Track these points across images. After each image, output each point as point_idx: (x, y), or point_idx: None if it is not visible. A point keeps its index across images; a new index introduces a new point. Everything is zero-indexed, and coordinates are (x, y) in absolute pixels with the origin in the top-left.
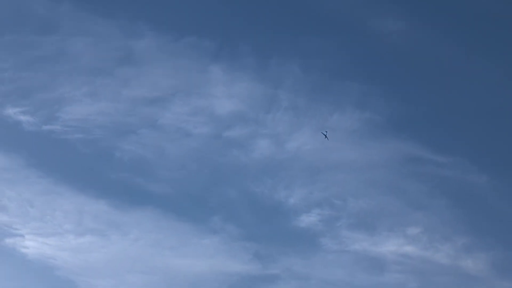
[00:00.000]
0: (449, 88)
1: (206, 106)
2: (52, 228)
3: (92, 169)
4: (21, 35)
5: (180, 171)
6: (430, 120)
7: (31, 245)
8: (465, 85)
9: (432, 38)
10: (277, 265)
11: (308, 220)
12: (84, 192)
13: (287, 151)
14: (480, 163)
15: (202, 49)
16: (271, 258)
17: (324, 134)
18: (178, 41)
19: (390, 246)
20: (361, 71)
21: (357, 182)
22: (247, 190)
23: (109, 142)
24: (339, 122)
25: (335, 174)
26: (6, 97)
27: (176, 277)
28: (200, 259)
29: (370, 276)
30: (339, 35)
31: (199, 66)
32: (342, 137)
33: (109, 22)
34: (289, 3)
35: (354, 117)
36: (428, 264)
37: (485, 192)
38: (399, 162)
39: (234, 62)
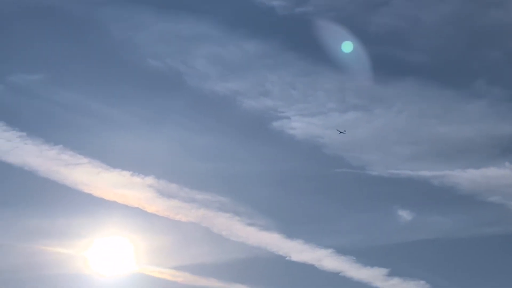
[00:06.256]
0: None
1: None
2: (316, 108)
3: None
4: None
5: (438, 38)
6: None
7: (298, 126)
8: None
9: None
10: None
11: None
12: (343, 69)
13: None
14: None
15: None
16: None
17: (340, 131)
18: None
19: None
20: None
21: None
22: (511, 50)
23: (361, 18)
24: None
25: None
26: None
27: (444, 144)
28: (466, 124)
29: None
30: None
31: None
32: None
33: None
34: None
35: None
36: None
37: None
38: None
39: None
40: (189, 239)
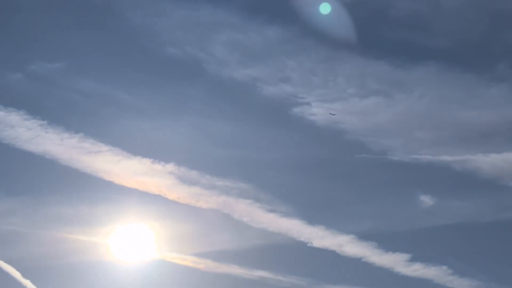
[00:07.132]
0: None
1: None
2: (337, 94)
3: (368, 31)
4: None
5: (459, 22)
6: None
7: (318, 112)
8: None
9: None
10: None
11: None
12: (364, 54)
13: None
14: None
15: None
16: None
17: (332, 114)
18: None
19: None
20: None
21: None
22: None
23: (381, 1)
24: None
25: None
26: None
27: (465, 129)
28: (488, 109)
29: None
30: None
31: None
32: None
33: None
34: None
35: None
36: None
37: None
38: None
39: None
40: (210, 226)
